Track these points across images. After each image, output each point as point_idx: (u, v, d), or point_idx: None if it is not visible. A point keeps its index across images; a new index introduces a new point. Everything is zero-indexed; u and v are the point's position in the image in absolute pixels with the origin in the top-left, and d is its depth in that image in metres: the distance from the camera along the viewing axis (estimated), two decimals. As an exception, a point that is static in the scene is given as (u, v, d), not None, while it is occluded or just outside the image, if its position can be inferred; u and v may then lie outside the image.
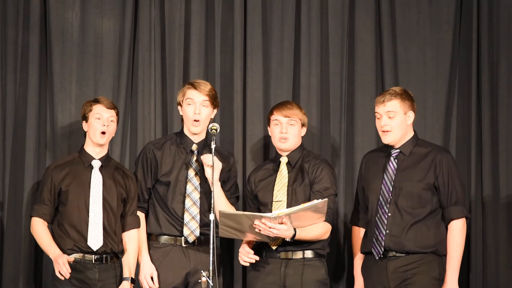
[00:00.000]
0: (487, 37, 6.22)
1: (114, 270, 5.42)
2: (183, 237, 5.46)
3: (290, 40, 6.26)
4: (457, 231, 5.22)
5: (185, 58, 6.23)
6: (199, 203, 5.48)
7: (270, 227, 5.14)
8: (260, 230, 5.15)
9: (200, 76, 6.14)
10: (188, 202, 5.48)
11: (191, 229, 5.46)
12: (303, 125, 5.53)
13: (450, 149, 6.21)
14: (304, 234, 5.26)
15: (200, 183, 5.49)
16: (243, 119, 6.22)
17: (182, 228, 5.46)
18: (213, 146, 5.12)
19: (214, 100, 5.55)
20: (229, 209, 5.39)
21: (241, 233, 5.25)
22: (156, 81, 6.18)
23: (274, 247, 5.36)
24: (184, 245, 5.46)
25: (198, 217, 5.47)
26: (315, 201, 5.17)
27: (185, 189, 5.50)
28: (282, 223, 5.15)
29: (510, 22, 6.25)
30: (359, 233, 5.48)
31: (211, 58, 6.25)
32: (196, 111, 5.50)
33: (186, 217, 5.47)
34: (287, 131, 5.46)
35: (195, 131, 5.54)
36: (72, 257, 5.26)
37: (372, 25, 6.29)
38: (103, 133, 5.43)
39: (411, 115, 5.34)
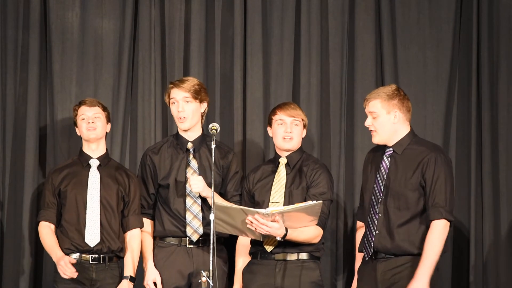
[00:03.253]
0: (487, 37, 6.22)
1: (112, 271, 5.42)
2: (187, 238, 5.46)
3: (290, 40, 6.26)
4: (433, 231, 5.04)
5: (185, 58, 6.23)
6: (199, 201, 5.48)
7: (262, 224, 5.13)
8: (251, 226, 5.14)
9: (200, 76, 6.14)
10: (188, 201, 5.48)
11: (194, 227, 5.45)
12: (304, 126, 5.53)
13: (450, 149, 6.21)
14: (295, 235, 5.25)
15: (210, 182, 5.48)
16: (243, 119, 6.22)
17: (185, 228, 5.46)
18: (213, 146, 5.11)
19: (197, 95, 5.51)
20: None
21: (233, 228, 5.23)
22: (156, 81, 6.18)
23: (268, 249, 5.36)
24: (189, 246, 5.46)
25: (200, 215, 5.47)
26: (310, 202, 5.16)
27: (185, 188, 5.50)
28: (274, 221, 5.15)
29: (510, 22, 6.24)
30: (362, 229, 5.45)
31: (211, 58, 6.25)
32: (179, 108, 5.50)
33: (188, 216, 5.47)
34: (292, 130, 5.46)
35: (183, 128, 5.53)
36: (73, 259, 5.27)
37: (372, 25, 6.29)
38: (90, 129, 5.45)
39: (397, 114, 5.20)
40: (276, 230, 5.17)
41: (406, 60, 6.29)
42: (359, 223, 5.49)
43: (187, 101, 5.50)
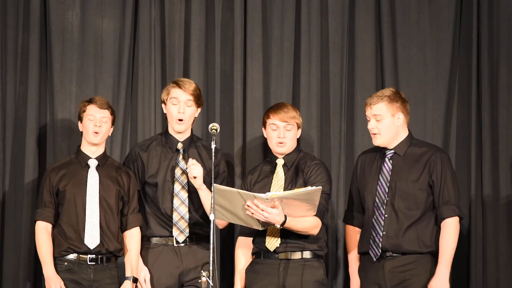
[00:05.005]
0: (487, 37, 6.22)
1: (110, 271, 5.42)
2: (174, 237, 5.45)
3: (290, 40, 6.26)
4: (450, 228, 5.19)
5: (185, 58, 6.23)
6: (187, 202, 5.47)
7: (261, 209, 5.11)
8: (251, 212, 5.13)
9: (200, 76, 6.15)
10: (176, 202, 5.47)
11: (180, 228, 5.44)
12: (298, 127, 5.52)
13: (450, 149, 6.21)
14: (294, 223, 5.22)
15: (187, 182, 5.48)
16: (243, 119, 6.22)
17: (172, 228, 5.46)
18: (213, 146, 5.10)
19: (198, 100, 5.53)
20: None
21: (233, 215, 5.20)
22: (156, 81, 6.18)
23: (271, 249, 5.36)
24: (176, 245, 5.45)
25: (187, 216, 5.45)
26: (309, 188, 5.15)
27: (173, 188, 5.49)
28: (274, 207, 5.13)
29: (510, 22, 6.25)
30: (353, 232, 5.50)
31: (211, 58, 6.25)
32: (180, 110, 5.49)
33: (175, 216, 5.45)
34: (285, 135, 5.46)
35: (179, 130, 5.53)
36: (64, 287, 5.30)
37: (372, 25, 6.29)
38: (96, 133, 5.44)
39: (400, 117, 5.30)
40: (275, 217, 5.14)
41: (406, 60, 6.29)
42: (350, 227, 5.52)
43: (189, 105, 5.50)
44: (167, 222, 5.46)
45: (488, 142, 6.17)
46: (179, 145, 5.55)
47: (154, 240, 5.47)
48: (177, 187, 5.47)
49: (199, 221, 5.43)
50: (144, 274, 5.44)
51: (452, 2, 6.30)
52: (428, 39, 6.31)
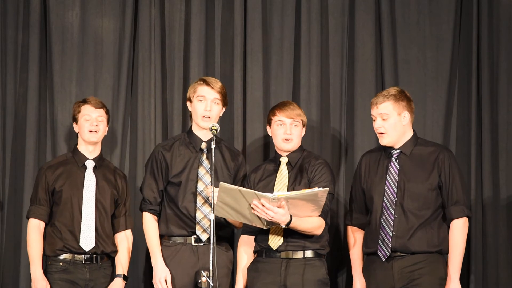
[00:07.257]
0: (487, 37, 6.22)
1: (105, 270, 5.43)
2: (193, 236, 5.45)
3: (290, 40, 6.26)
4: (458, 230, 5.24)
5: (185, 58, 6.23)
6: (210, 201, 5.46)
7: (268, 209, 5.11)
8: (257, 211, 5.13)
9: (200, 76, 6.13)
10: (199, 201, 5.46)
11: (204, 227, 5.44)
12: (303, 125, 5.53)
13: (450, 149, 6.19)
14: (299, 223, 5.23)
15: (211, 181, 5.47)
16: (243, 119, 6.22)
17: (193, 228, 5.44)
18: (213, 146, 5.09)
19: (224, 98, 5.55)
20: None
21: (237, 213, 5.19)
22: (156, 81, 6.18)
23: (274, 247, 5.36)
24: (194, 244, 5.45)
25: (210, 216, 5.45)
26: (316, 189, 5.15)
27: (196, 187, 5.49)
28: (280, 207, 5.14)
29: (510, 22, 6.25)
30: (355, 233, 5.51)
31: (211, 58, 6.25)
32: (207, 108, 5.48)
33: (198, 215, 5.45)
34: (291, 132, 5.46)
35: (205, 126, 5.49)
36: None
37: (372, 25, 6.29)
38: (93, 131, 5.44)
39: (406, 116, 5.32)
40: (281, 216, 5.14)
41: (406, 60, 6.29)
42: (352, 228, 5.52)
43: (216, 103, 5.50)
44: (187, 221, 5.45)
45: (488, 142, 6.17)
46: (203, 145, 5.55)
47: (173, 239, 5.47)
48: (200, 186, 5.47)
49: (221, 221, 5.42)
50: (165, 274, 5.42)
51: (452, 2, 6.30)
52: (428, 39, 6.31)
